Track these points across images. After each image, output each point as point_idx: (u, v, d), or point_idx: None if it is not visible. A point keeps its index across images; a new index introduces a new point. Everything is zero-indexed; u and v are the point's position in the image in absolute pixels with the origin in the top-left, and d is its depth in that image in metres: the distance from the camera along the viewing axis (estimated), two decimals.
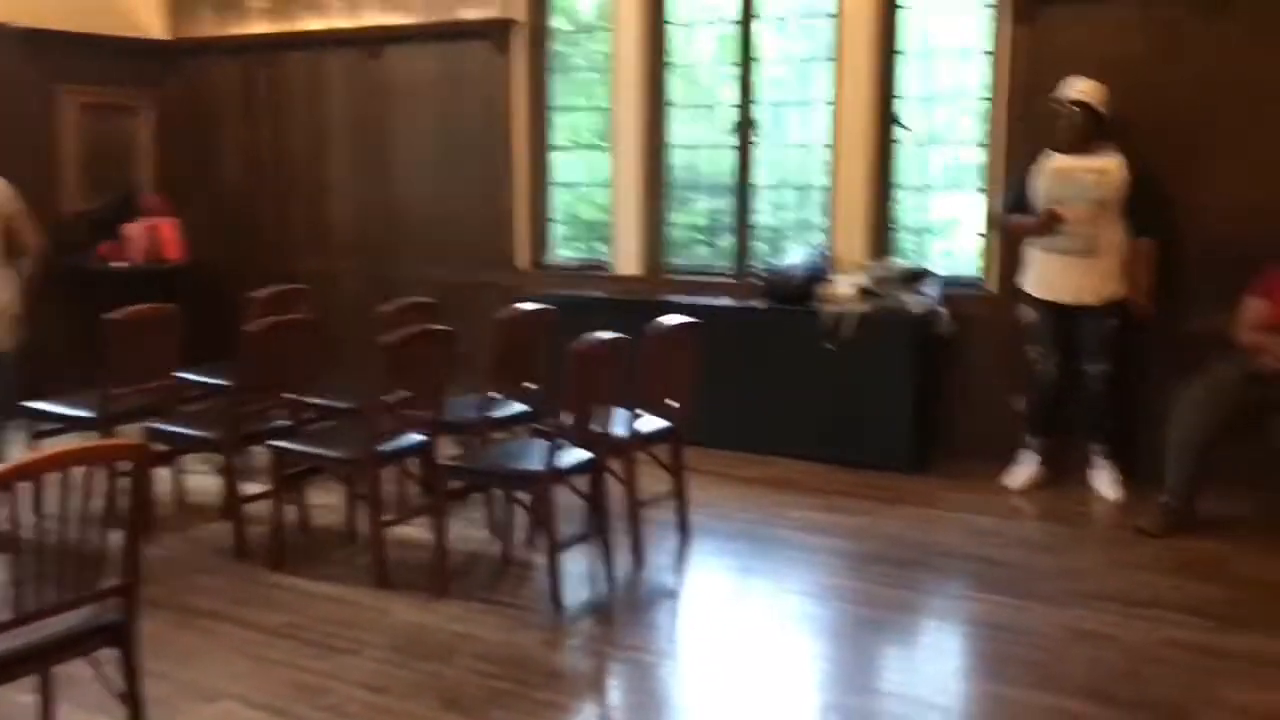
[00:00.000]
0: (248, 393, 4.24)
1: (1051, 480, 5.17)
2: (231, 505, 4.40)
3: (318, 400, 4.71)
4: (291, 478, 4.29)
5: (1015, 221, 5.06)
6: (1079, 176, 4.85)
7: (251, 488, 4.53)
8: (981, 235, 5.55)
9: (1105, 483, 5.01)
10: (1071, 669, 3.37)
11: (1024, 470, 5.17)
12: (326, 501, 4.74)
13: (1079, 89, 4.86)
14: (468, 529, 4.51)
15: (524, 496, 4.17)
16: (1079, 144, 4.87)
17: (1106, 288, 4.88)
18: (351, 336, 6.96)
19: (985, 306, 5.44)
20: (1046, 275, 4.98)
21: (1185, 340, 4.87)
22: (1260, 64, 4.79)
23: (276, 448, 4.16)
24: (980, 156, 5.53)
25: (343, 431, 4.42)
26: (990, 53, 5.40)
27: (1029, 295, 5.07)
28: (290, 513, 4.41)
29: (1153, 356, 5.03)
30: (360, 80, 6.92)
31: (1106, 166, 4.83)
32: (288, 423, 4.47)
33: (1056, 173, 4.90)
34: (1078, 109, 4.84)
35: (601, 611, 3.91)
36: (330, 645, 3.53)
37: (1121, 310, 4.90)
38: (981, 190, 5.51)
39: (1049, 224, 4.86)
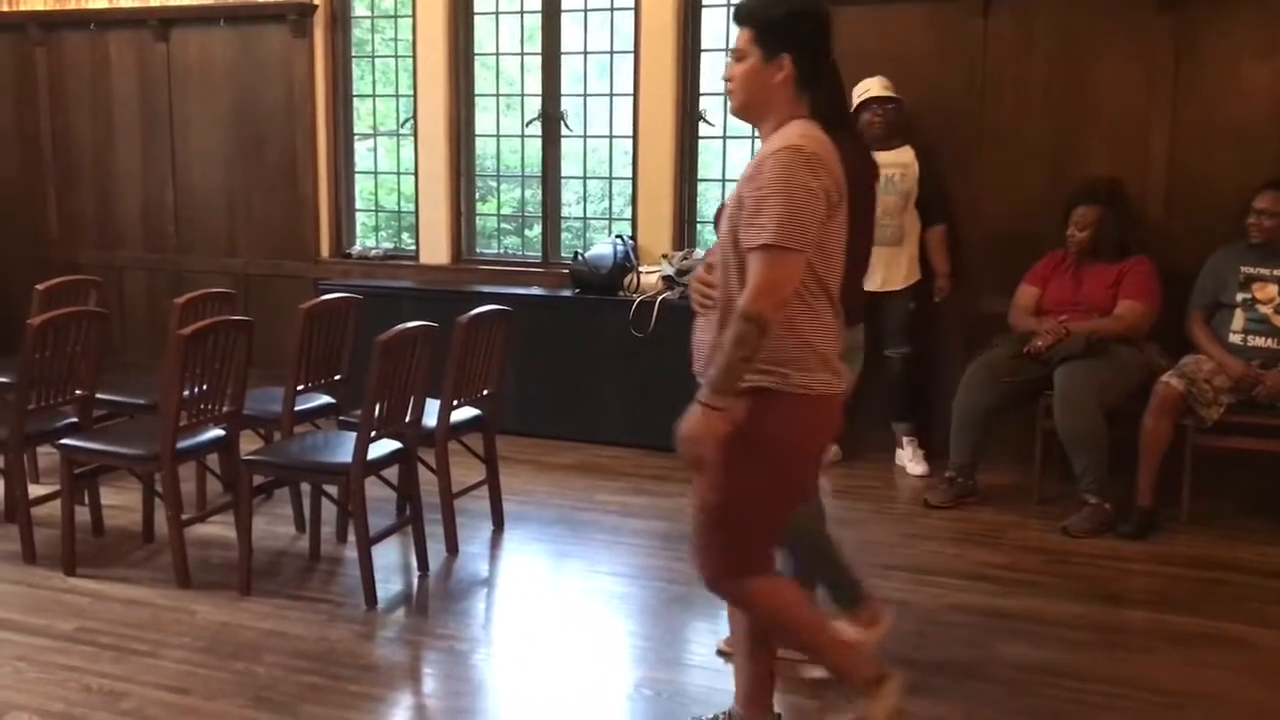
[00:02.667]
0: (32, 389, 4.02)
1: (852, 458, 5.43)
2: (17, 507, 4.16)
3: (109, 396, 4.52)
4: (82, 477, 4.10)
5: None
6: (885, 170, 5.07)
7: (39, 489, 4.32)
8: None
9: (910, 459, 5.29)
10: None
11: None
12: (121, 501, 4.56)
13: (887, 86, 5.06)
14: (273, 525, 4.42)
15: (332, 490, 4.10)
16: (884, 139, 5.10)
17: (909, 274, 5.17)
18: (145, 329, 6.74)
19: None
20: None
21: (975, 322, 5.19)
22: (1023, 62, 5.15)
23: (65, 446, 3.96)
24: None
25: (137, 428, 4.24)
26: None
27: None
28: (82, 514, 4.21)
29: (942, 338, 5.33)
30: (149, 63, 6.62)
31: (907, 160, 5.10)
32: (75, 420, 4.27)
33: None
34: (892, 106, 5.07)
35: (415, 602, 3.90)
36: (128, 649, 3.40)
37: (919, 294, 5.18)
38: None
39: None
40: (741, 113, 2.61)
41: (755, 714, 2.83)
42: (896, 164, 5.09)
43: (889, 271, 5.14)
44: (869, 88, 5.07)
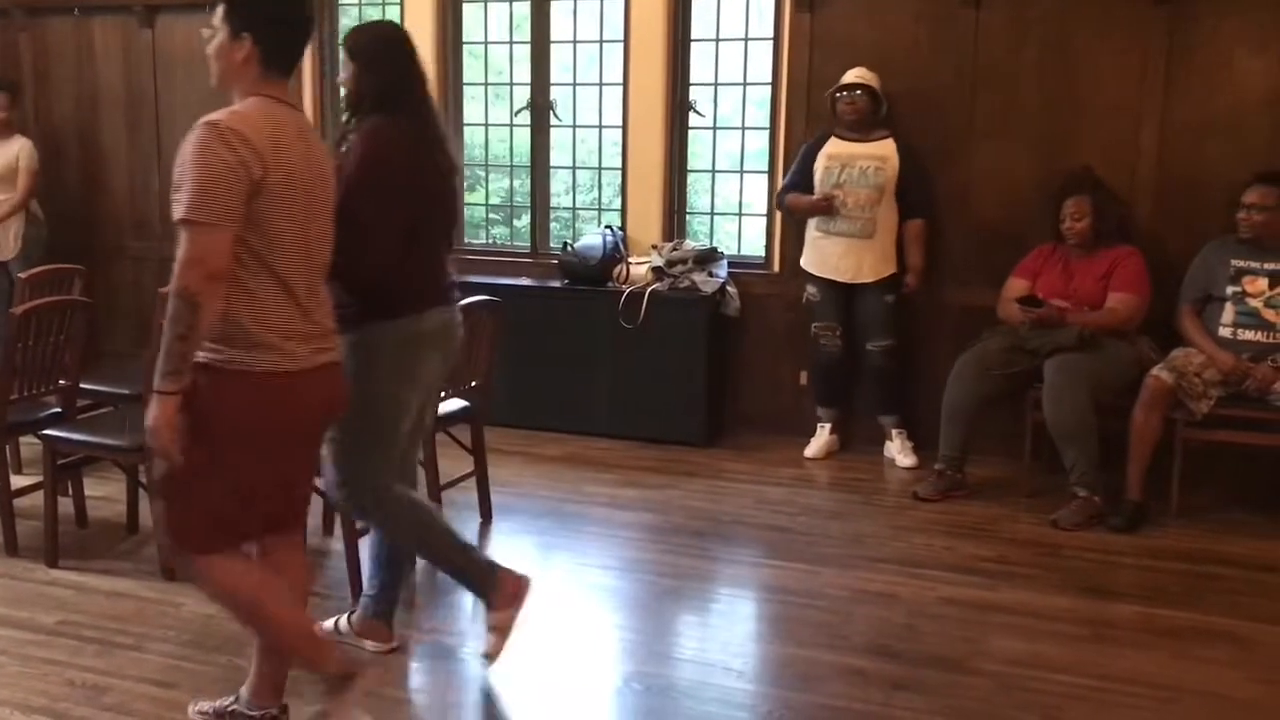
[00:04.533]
0: (14, 379, 3.97)
1: (846, 450, 5.44)
2: None
3: (93, 386, 4.47)
4: (65, 468, 4.06)
5: (793, 199, 5.27)
6: (860, 162, 5.09)
7: (21, 480, 4.28)
8: (765, 217, 5.75)
9: (899, 452, 5.29)
10: (857, 628, 3.56)
11: (819, 441, 5.40)
12: (105, 493, 4.52)
13: (860, 75, 5.09)
14: None
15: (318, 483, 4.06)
16: (861, 129, 5.10)
17: (881, 267, 5.14)
18: (129, 318, 6.69)
19: (770, 285, 5.64)
20: (826, 255, 5.21)
21: (964, 314, 5.18)
22: (1015, 53, 5.13)
23: (48, 437, 3.92)
24: (765, 141, 5.71)
25: (121, 418, 4.20)
26: (773, 40, 5.59)
27: (810, 274, 5.29)
28: (65, 505, 4.16)
29: (930, 330, 5.33)
30: (134, 50, 6.56)
31: (885, 153, 5.08)
32: (59, 410, 4.22)
33: (837, 157, 5.13)
34: (861, 94, 5.07)
35: (402, 595, 3.86)
36: (113, 642, 3.37)
37: (896, 286, 5.17)
38: (765, 173, 5.71)
39: (827, 206, 5.10)
40: (219, 88, 2.66)
41: (261, 701, 2.82)
42: (873, 156, 5.08)
43: (859, 264, 5.15)
44: (844, 77, 5.09)
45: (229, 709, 2.86)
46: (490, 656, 3.26)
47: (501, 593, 3.24)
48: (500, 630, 3.25)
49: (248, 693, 2.84)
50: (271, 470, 2.60)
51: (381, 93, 3.01)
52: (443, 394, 4.13)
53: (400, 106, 3.01)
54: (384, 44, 3.10)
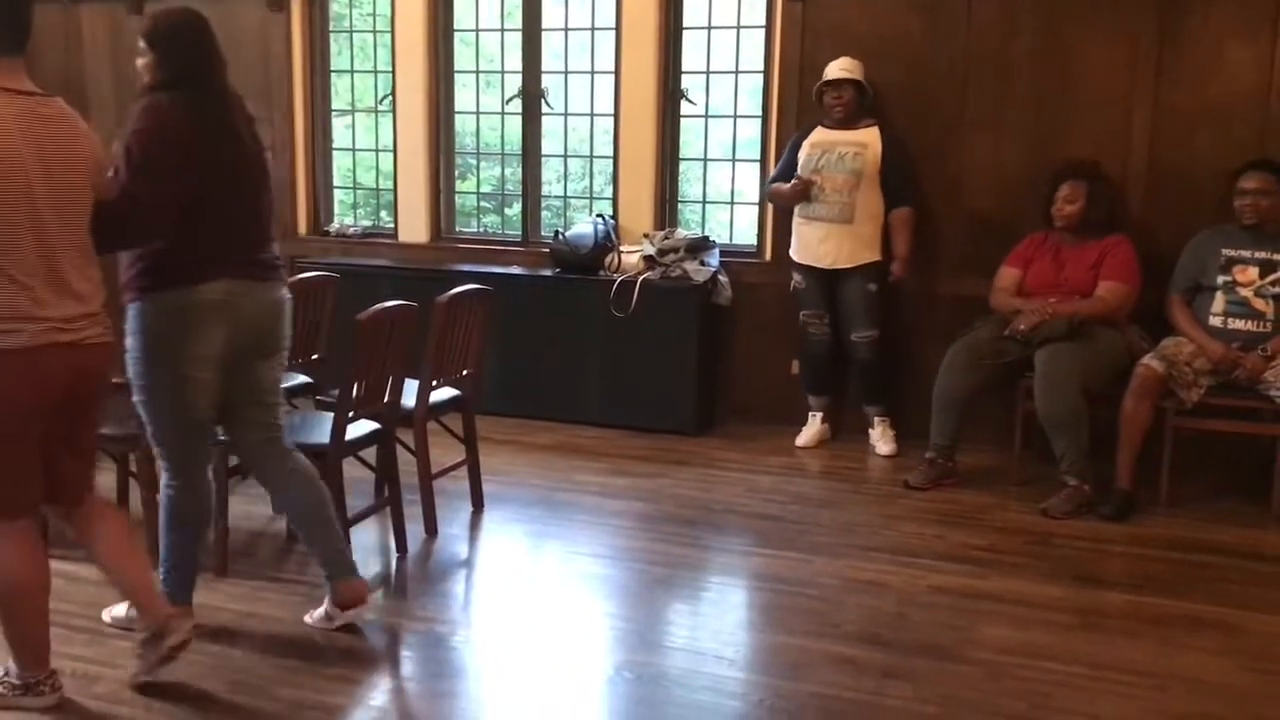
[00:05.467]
0: None
1: (837, 439, 5.46)
2: None
3: None
4: None
5: (774, 189, 5.29)
6: (839, 148, 5.09)
7: None
8: (757, 206, 5.74)
9: (879, 439, 5.31)
10: (848, 616, 3.56)
11: (810, 430, 5.41)
12: (95, 481, 4.49)
13: (845, 67, 5.08)
14: (250, 506, 4.36)
15: None
16: (847, 119, 5.10)
17: (862, 254, 5.14)
18: (121, 308, 6.64)
19: (762, 274, 5.64)
20: (807, 242, 5.22)
21: (954, 303, 5.19)
22: (1007, 42, 5.13)
23: None
24: (757, 129, 5.71)
25: (111, 407, 4.16)
26: (765, 28, 5.58)
27: (795, 261, 5.29)
28: None
29: (922, 320, 5.34)
30: (122, 37, 6.51)
31: (866, 140, 5.08)
32: None
33: (819, 144, 5.14)
34: (847, 87, 5.06)
35: (393, 584, 3.87)
36: (102, 631, 3.37)
37: (879, 274, 5.17)
38: (757, 162, 5.70)
39: (802, 191, 5.10)
40: None
41: (148, 618, 2.97)
42: (853, 142, 5.08)
43: (838, 250, 5.15)
44: (829, 71, 5.09)
45: (141, 642, 2.99)
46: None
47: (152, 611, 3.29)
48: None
49: (140, 624, 3.01)
50: (16, 445, 2.71)
51: (175, 76, 3.04)
52: (434, 382, 4.12)
53: (193, 88, 3.05)
54: (181, 30, 3.15)
